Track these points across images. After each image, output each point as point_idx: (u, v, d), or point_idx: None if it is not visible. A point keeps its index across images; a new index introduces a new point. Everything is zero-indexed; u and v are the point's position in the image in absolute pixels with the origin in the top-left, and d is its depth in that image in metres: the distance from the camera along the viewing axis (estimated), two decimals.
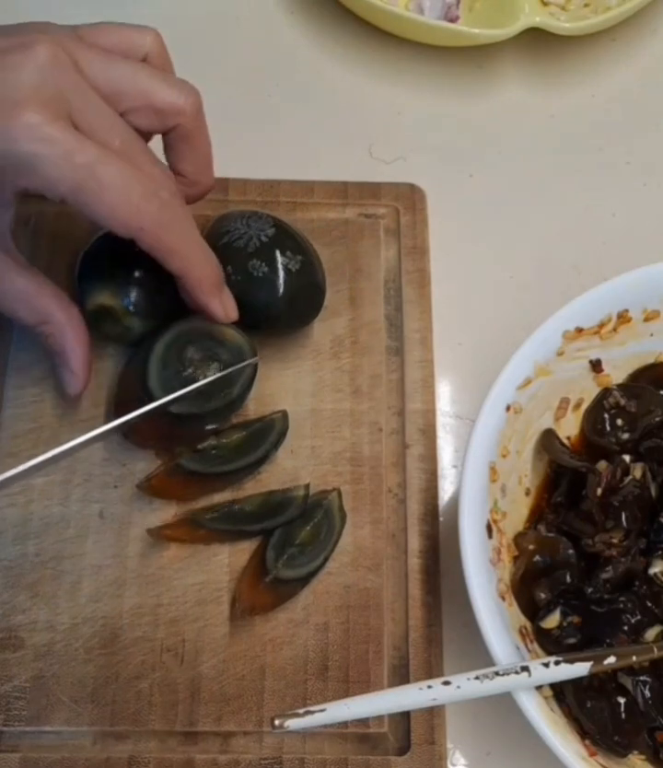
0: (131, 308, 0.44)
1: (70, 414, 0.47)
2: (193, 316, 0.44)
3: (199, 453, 0.44)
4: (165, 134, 0.41)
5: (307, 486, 0.45)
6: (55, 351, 0.43)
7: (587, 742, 0.37)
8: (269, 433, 0.46)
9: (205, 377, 0.43)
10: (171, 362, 0.43)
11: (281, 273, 0.45)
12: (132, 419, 0.41)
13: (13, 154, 0.35)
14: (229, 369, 0.44)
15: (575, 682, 0.37)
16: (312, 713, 0.34)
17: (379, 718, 0.42)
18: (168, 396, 0.42)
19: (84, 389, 0.44)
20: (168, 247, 0.40)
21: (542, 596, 0.40)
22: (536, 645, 0.40)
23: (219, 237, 0.46)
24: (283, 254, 0.45)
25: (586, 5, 0.59)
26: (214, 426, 0.45)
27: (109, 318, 0.44)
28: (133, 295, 0.44)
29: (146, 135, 0.41)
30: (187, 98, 0.40)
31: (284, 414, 0.46)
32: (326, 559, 0.44)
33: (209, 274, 0.42)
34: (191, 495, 0.45)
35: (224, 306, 0.43)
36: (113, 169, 0.37)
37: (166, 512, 0.45)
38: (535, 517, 0.43)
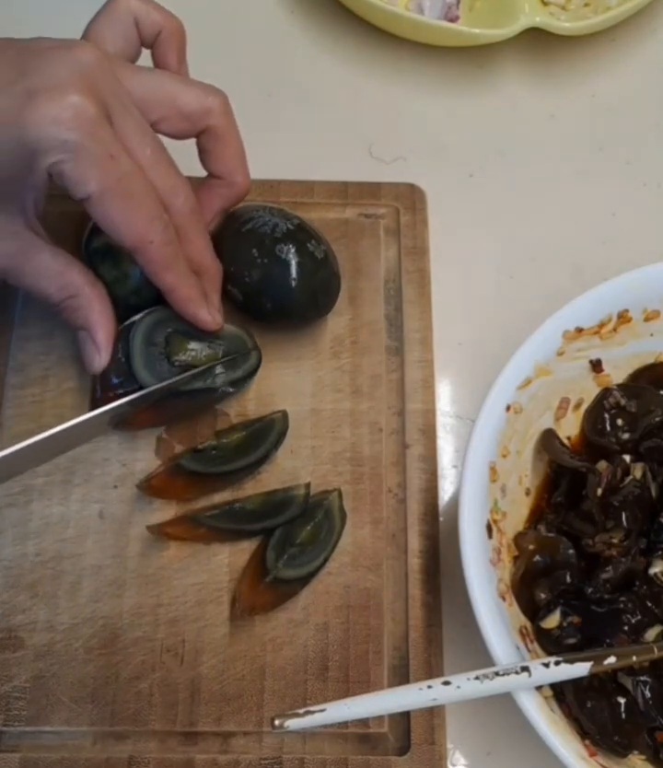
0: None
1: (70, 415, 0.46)
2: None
3: (199, 453, 0.44)
4: (197, 139, 0.42)
5: (307, 485, 0.45)
6: (80, 325, 0.43)
7: (587, 742, 0.37)
8: (269, 433, 0.46)
9: (189, 356, 0.44)
10: (156, 342, 0.44)
11: (308, 259, 0.45)
12: (122, 407, 0.42)
13: (60, 139, 0.35)
14: (227, 358, 0.45)
15: (576, 682, 0.37)
16: (312, 713, 0.34)
17: (379, 718, 0.42)
18: (153, 378, 0.43)
19: (106, 365, 0.44)
20: (165, 263, 0.41)
21: (542, 596, 0.40)
22: (536, 645, 0.40)
23: (243, 222, 0.46)
24: (308, 242, 0.46)
25: (586, 5, 0.59)
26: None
27: (108, 259, 0.45)
28: None
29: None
30: (214, 99, 0.41)
31: (284, 414, 0.46)
32: (326, 559, 0.44)
33: (193, 289, 0.43)
34: (191, 495, 0.45)
35: (211, 314, 0.44)
36: (142, 183, 0.38)
37: (166, 512, 0.45)
38: (535, 517, 0.43)
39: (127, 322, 0.44)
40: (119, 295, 0.45)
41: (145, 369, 0.44)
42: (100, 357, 0.43)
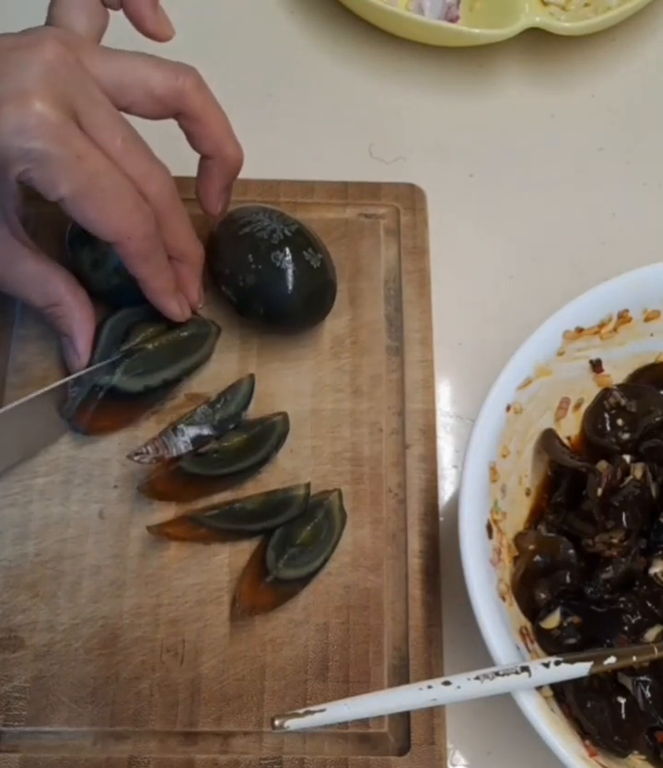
0: None
1: None
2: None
3: (200, 457, 0.44)
4: (177, 121, 0.42)
5: (307, 485, 0.45)
6: (63, 332, 0.45)
7: (587, 742, 0.37)
8: (270, 435, 0.46)
9: (190, 417, 0.45)
10: (117, 332, 0.46)
11: (304, 267, 0.45)
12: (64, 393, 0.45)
13: (24, 148, 0.35)
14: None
15: (576, 682, 0.37)
16: (312, 713, 0.34)
17: (379, 718, 0.42)
18: (106, 360, 0.45)
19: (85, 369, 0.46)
20: (144, 256, 0.41)
21: (542, 596, 0.40)
22: (536, 646, 0.40)
23: (241, 226, 0.46)
24: (305, 250, 0.46)
25: (586, 5, 0.59)
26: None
27: (88, 242, 0.45)
28: None
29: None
30: (184, 79, 0.40)
31: (285, 417, 0.46)
32: (326, 559, 0.44)
33: (169, 280, 0.44)
34: (191, 497, 0.45)
35: (180, 305, 0.45)
36: (115, 179, 0.38)
37: (166, 512, 0.45)
38: (535, 517, 0.43)
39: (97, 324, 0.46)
40: (100, 276, 0.46)
41: (103, 359, 0.45)
42: (80, 361, 0.46)
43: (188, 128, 0.42)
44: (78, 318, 0.45)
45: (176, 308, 0.45)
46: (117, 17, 0.42)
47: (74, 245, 0.46)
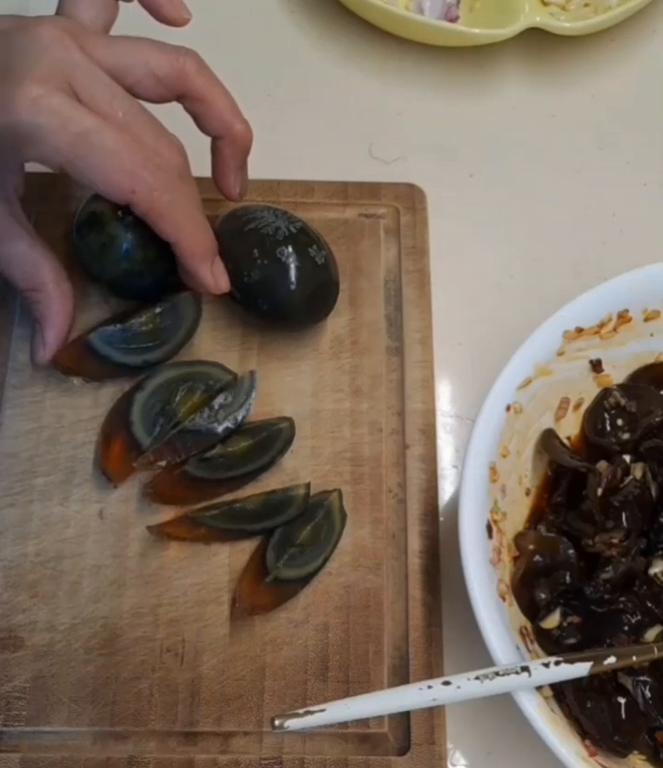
0: (119, 213, 0.43)
1: (70, 414, 0.47)
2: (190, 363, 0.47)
3: (205, 461, 0.44)
4: (182, 105, 0.42)
5: (307, 485, 0.45)
6: (36, 318, 0.45)
7: (587, 742, 0.37)
8: (275, 441, 0.45)
9: (193, 417, 0.45)
10: (158, 398, 0.45)
11: (308, 263, 0.45)
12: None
13: (17, 125, 0.36)
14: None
15: (576, 682, 0.37)
16: (312, 713, 0.34)
17: (379, 718, 0.42)
18: (149, 434, 0.45)
19: (48, 361, 0.45)
20: (160, 211, 0.40)
21: (542, 596, 0.40)
22: (536, 646, 0.40)
23: (245, 223, 0.46)
24: (310, 246, 0.46)
25: (586, 5, 0.59)
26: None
27: (95, 226, 0.45)
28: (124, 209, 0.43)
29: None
30: (185, 59, 0.41)
31: (291, 423, 0.46)
32: (326, 559, 0.44)
33: (201, 242, 0.43)
34: (194, 500, 0.45)
35: (214, 275, 0.44)
36: (108, 136, 0.37)
37: (166, 512, 0.45)
38: (535, 517, 0.43)
39: (135, 385, 0.46)
40: (108, 261, 0.45)
41: (144, 425, 0.45)
42: (44, 353, 0.45)
43: (193, 109, 0.42)
44: (55, 308, 0.44)
45: (207, 276, 0.43)
46: (124, 10, 0.43)
47: (81, 230, 0.45)
